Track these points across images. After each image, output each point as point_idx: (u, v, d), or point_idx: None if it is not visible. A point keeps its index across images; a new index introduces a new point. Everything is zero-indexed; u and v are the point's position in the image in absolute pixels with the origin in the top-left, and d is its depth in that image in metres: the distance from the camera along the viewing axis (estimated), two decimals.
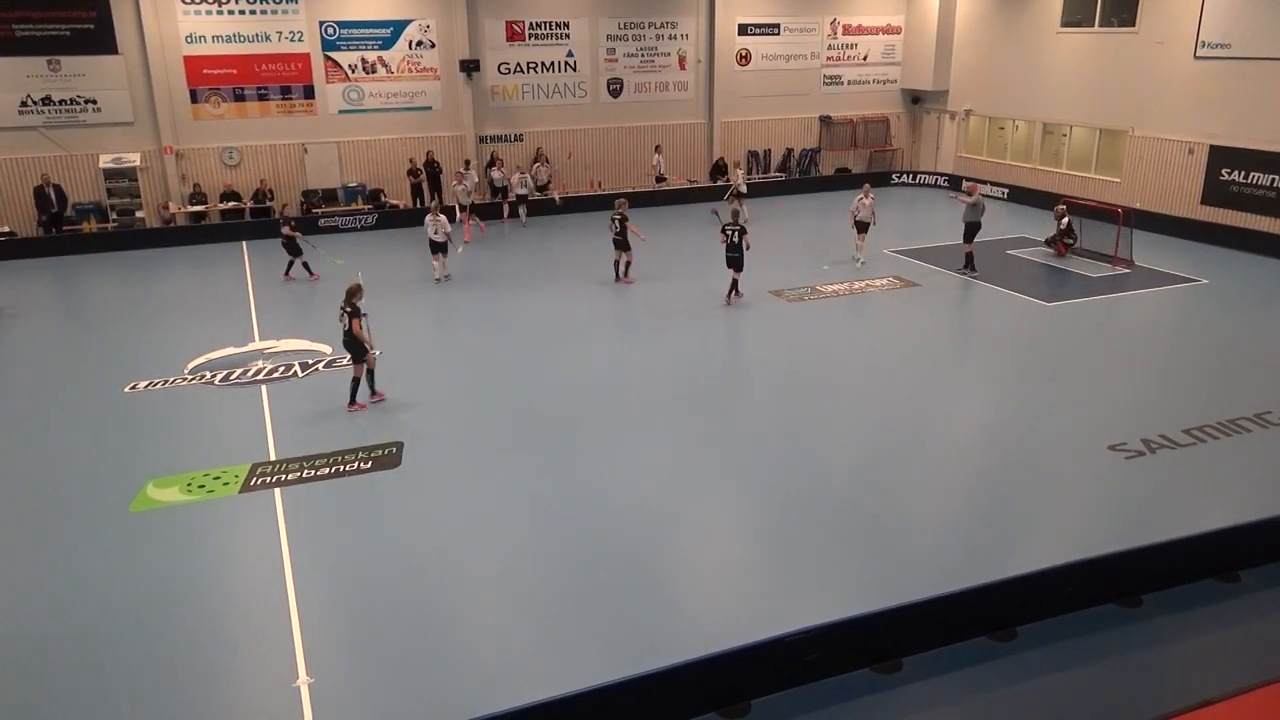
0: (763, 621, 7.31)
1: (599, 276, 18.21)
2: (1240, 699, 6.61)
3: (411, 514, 9.58)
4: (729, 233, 16.25)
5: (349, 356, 12.26)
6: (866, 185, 19.53)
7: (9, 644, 7.62)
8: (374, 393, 12.43)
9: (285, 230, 18.46)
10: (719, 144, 28.61)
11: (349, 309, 11.83)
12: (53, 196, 21.85)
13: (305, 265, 18.86)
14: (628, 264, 18.18)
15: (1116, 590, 7.91)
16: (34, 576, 8.60)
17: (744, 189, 23.86)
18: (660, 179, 26.88)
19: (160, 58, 22.71)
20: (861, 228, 19.02)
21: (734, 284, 16.62)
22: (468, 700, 6.67)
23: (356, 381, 12.23)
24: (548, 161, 25.66)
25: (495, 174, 24.69)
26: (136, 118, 22.96)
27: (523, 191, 24.37)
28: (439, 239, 18.24)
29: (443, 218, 18.31)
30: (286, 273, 18.87)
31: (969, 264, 18.59)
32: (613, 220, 17.76)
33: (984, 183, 27.44)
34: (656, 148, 27.24)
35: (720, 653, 6.70)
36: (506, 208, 24.59)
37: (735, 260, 16.32)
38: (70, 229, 22.39)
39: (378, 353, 12.82)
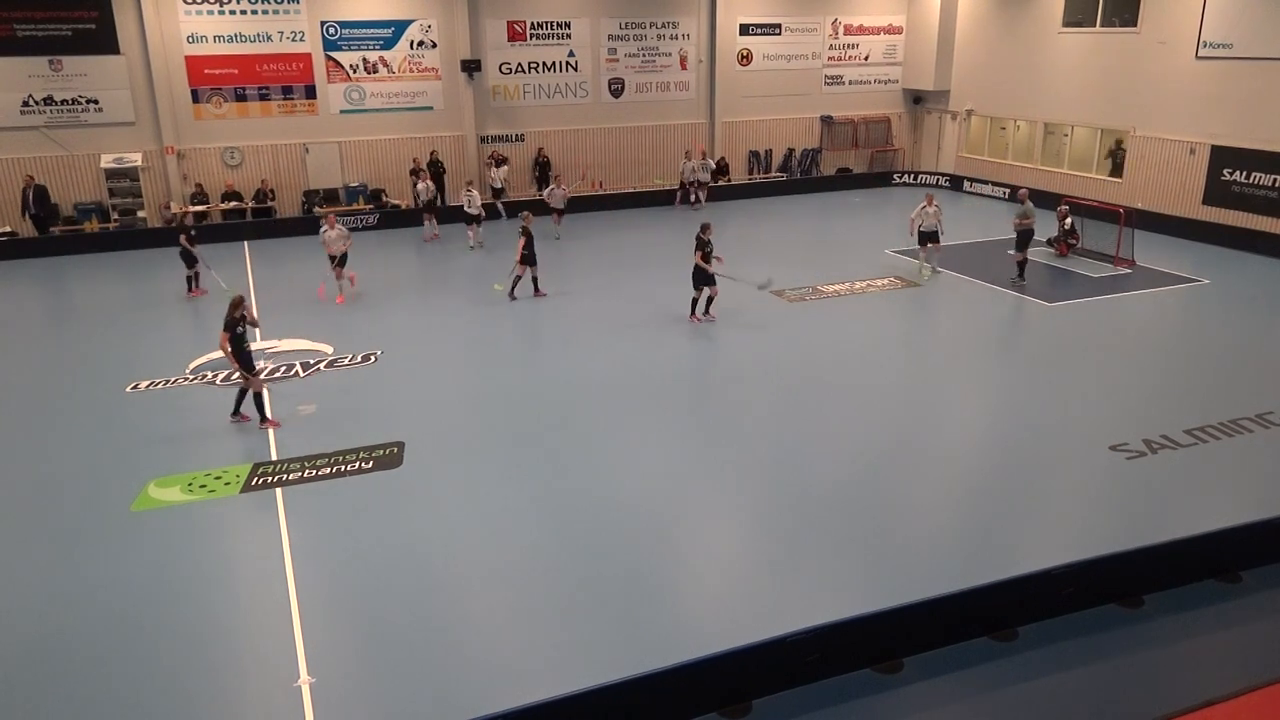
0: (764, 622, 7.32)
1: (600, 277, 18.19)
2: (1241, 699, 6.62)
3: (413, 514, 9.58)
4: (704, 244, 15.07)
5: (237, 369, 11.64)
6: (930, 194, 18.45)
7: (10, 643, 7.63)
8: (237, 413, 11.81)
9: (183, 240, 17.43)
10: (720, 144, 28.58)
11: (227, 322, 11.34)
12: (30, 197, 21.55)
13: (194, 278, 17.67)
14: (534, 278, 17.25)
15: (1118, 590, 7.91)
16: (35, 576, 8.62)
17: (705, 177, 23.50)
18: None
19: (162, 58, 22.73)
20: (927, 238, 18.04)
21: (694, 302, 15.60)
22: (469, 700, 6.67)
23: (243, 393, 11.69)
24: (563, 186, 24.15)
25: (493, 173, 24.60)
26: (138, 118, 22.99)
27: (499, 186, 24.61)
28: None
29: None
30: (189, 288, 17.80)
31: (1021, 273, 17.82)
32: (520, 233, 16.77)
33: (986, 183, 27.48)
34: (687, 154, 26.30)
35: (721, 653, 6.70)
36: (501, 208, 24.63)
37: (697, 273, 15.27)
38: (72, 229, 22.41)
39: (259, 375, 12.15)
